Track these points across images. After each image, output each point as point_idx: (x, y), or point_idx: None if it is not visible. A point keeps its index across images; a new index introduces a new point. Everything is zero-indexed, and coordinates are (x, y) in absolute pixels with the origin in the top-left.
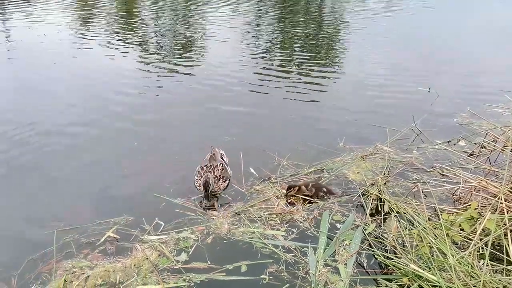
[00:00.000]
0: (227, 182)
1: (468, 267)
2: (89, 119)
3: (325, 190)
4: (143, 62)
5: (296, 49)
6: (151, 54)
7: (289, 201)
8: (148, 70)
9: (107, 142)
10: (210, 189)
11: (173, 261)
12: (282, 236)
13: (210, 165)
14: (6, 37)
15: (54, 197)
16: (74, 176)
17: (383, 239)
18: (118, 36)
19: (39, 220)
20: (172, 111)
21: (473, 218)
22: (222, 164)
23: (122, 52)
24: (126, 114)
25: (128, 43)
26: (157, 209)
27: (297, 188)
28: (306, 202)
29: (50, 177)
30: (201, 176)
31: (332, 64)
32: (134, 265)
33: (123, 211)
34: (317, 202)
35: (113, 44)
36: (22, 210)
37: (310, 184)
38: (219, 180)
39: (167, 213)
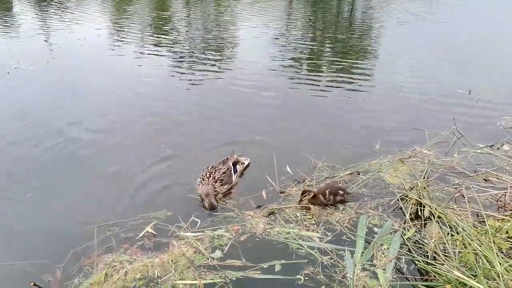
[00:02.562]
0: (225, 186)
1: None
2: (125, 120)
3: (341, 192)
4: (175, 65)
5: (327, 52)
6: (183, 57)
7: (303, 205)
8: (180, 73)
9: (142, 142)
10: (216, 206)
11: (208, 258)
12: (318, 237)
13: (215, 167)
14: (46, 40)
15: (95, 193)
16: (112, 173)
17: (423, 245)
18: (153, 39)
19: (82, 215)
20: (204, 112)
21: None
22: (227, 169)
23: (156, 56)
24: (160, 114)
25: (161, 46)
26: (193, 208)
27: (312, 194)
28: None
29: (91, 174)
30: (201, 183)
31: (366, 66)
32: (172, 261)
33: (160, 209)
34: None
35: (147, 47)
36: (66, 206)
37: (327, 192)
38: (216, 182)
39: (202, 211)
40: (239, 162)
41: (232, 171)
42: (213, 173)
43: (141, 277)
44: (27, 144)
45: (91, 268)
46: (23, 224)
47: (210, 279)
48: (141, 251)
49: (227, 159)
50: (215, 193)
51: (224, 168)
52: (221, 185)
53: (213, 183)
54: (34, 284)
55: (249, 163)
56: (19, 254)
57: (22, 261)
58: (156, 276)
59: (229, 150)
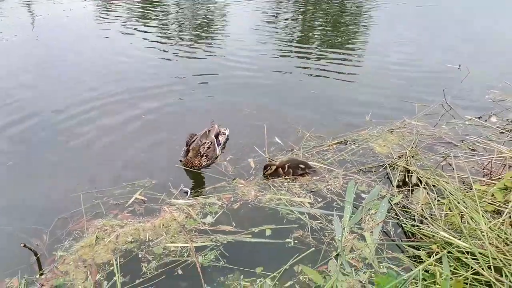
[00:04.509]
0: (209, 161)
1: (502, 233)
2: (107, 92)
3: (302, 166)
4: (163, 40)
5: (318, 31)
6: (171, 33)
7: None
8: (167, 47)
9: (123, 114)
10: (191, 145)
11: (199, 223)
12: (308, 203)
13: (194, 137)
14: (30, 11)
15: (77, 163)
16: (94, 144)
17: (410, 209)
18: (140, 13)
19: (65, 184)
20: (191, 87)
21: (507, 188)
22: (211, 143)
23: (142, 31)
24: (143, 87)
25: (149, 20)
26: (178, 176)
27: (274, 168)
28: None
29: (71, 145)
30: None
31: (357, 44)
32: (163, 225)
33: (144, 177)
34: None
35: (134, 22)
36: (47, 174)
37: (286, 165)
38: (202, 157)
39: (190, 181)
40: (220, 132)
41: (216, 144)
42: (199, 148)
43: (132, 240)
44: (6, 116)
45: (81, 232)
46: (6, 191)
47: (201, 242)
48: (131, 216)
49: (209, 131)
50: (198, 163)
51: (208, 143)
52: (207, 160)
53: (199, 157)
54: (24, 246)
55: (228, 134)
56: (4, 220)
57: (8, 226)
58: (147, 239)
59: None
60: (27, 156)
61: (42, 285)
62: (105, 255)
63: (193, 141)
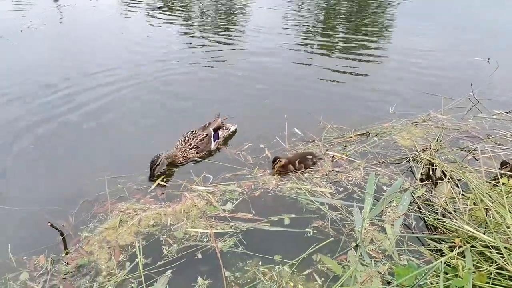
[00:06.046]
0: (200, 154)
1: None
2: (134, 80)
3: (309, 157)
4: (186, 31)
5: (341, 21)
6: (194, 24)
7: (275, 172)
8: (191, 38)
9: (145, 103)
10: (155, 170)
11: (219, 210)
12: (329, 193)
13: (194, 132)
14: (57, 1)
15: (99, 149)
16: (115, 131)
17: (433, 203)
18: (164, 4)
19: (89, 169)
20: (213, 77)
21: None
22: (205, 136)
23: (166, 21)
24: (170, 77)
25: (172, 11)
26: (203, 165)
27: (284, 161)
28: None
29: (90, 134)
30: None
31: (381, 37)
32: (184, 211)
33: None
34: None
35: (159, 11)
36: (72, 160)
37: (297, 161)
38: (191, 148)
39: (214, 168)
40: (223, 127)
41: (212, 138)
42: (191, 139)
43: (154, 223)
44: (28, 102)
45: (105, 215)
46: (30, 174)
47: (221, 229)
48: (154, 201)
49: (209, 124)
50: (182, 158)
51: (202, 135)
52: (197, 153)
53: (188, 149)
54: (51, 225)
55: (235, 129)
56: (31, 202)
57: (35, 207)
58: (169, 223)
59: (236, 113)
60: (46, 140)
61: (68, 263)
62: (128, 237)
63: (158, 165)
